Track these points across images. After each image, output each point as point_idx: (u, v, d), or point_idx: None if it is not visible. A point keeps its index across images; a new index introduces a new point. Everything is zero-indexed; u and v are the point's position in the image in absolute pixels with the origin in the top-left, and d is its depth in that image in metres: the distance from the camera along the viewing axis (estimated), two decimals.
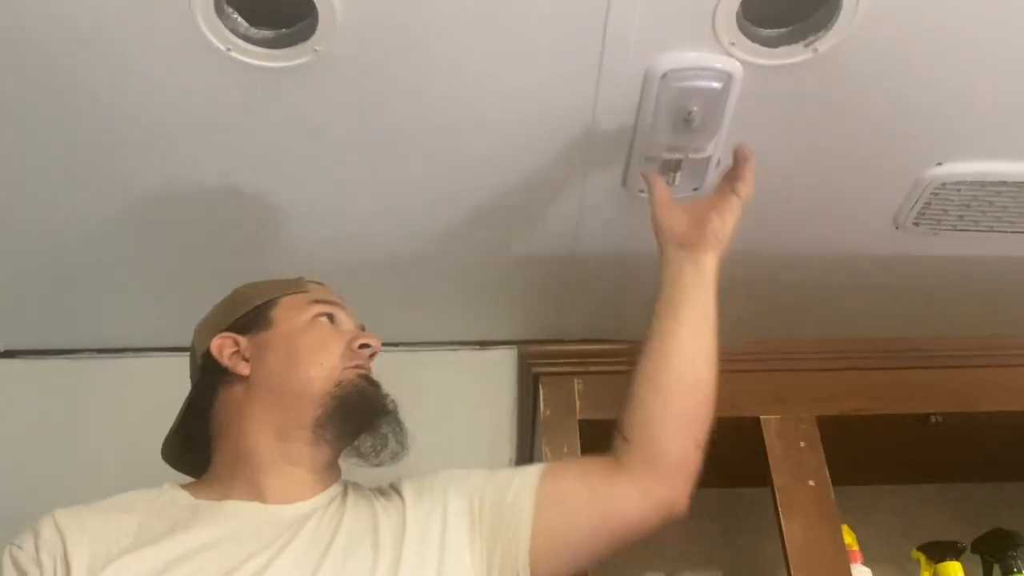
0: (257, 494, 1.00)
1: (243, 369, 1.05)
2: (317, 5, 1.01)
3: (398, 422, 1.05)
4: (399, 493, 1.03)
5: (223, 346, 1.06)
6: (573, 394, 1.33)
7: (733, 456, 1.32)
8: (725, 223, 1.08)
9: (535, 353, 1.41)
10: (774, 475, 1.24)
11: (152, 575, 0.91)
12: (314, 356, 1.04)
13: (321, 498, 1.01)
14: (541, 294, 1.54)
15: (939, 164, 1.28)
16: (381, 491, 1.05)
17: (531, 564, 0.99)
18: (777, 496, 1.23)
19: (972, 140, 1.25)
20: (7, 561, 0.93)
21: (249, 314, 1.08)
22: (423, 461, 1.08)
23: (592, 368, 1.35)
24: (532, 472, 1.03)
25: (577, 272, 1.48)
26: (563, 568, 1.02)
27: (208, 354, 1.06)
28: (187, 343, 1.14)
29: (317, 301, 1.09)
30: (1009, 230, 1.39)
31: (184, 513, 0.98)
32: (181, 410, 1.10)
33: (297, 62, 1.07)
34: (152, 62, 1.08)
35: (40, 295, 1.48)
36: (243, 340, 1.06)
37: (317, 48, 1.05)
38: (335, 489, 1.04)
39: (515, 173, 1.28)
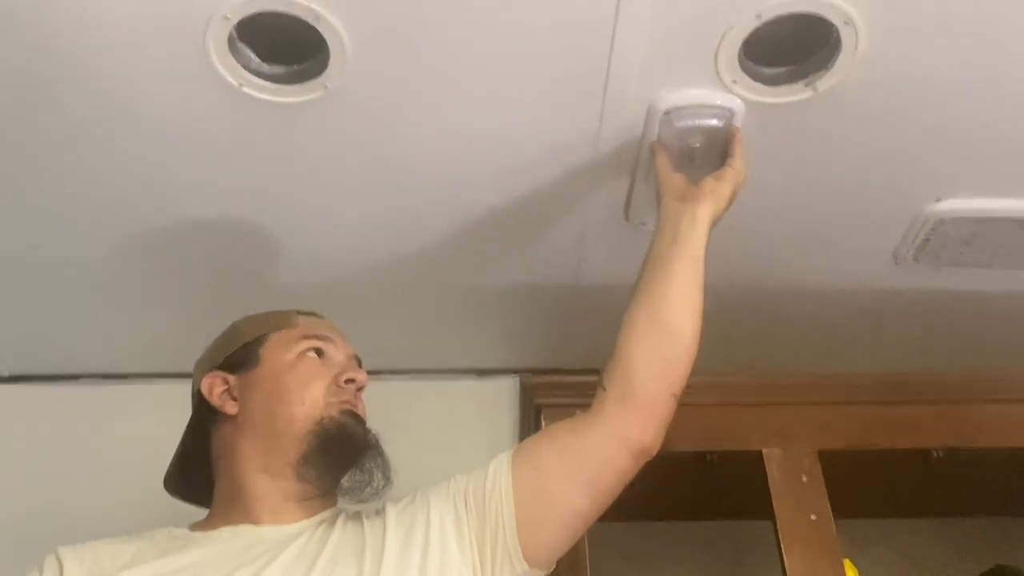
0: (249, 519, 1.02)
1: (231, 408, 1.06)
2: (328, 42, 1.02)
3: (381, 455, 1.06)
4: (384, 512, 1.05)
5: (212, 385, 1.07)
6: None
7: (735, 489, 1.32)
8: (720, 183, 1.09)
9: (538, 384, 1.41)
10: (776, 508, 1.24)
11: None
12: (297, 394, 1.04)
13: (311, 520, 1.03)
14: (542, 324, 1.54)
15: (938, 200, 1.29)
16: (371, 514, 1.07)
17: (521, 540, 0.99)
18: (779, 529, 1.23)
19: (970, 177, 1.26)
20: None
21: (239, 351, 1.09)
22: None
23: None
24: (505, 454, 1.05)
25: (578, 303, 1.48)
26: (555, 536, 1.02)
27: (200, 393, 1.08)
28: (192, 368, 1.15)
29: (307, 336, 1.09)
30: (1008, 265, 1.40)
31: (180, 542, 1.01)
32: (178, 447, 1.12)
33: (308, 98, 1.08)
34: (164, 96, 1.09)
35: (45, 320, 1.48)
36: (232, 378, 1.07)
37: (328, 84, 1.07)
38: (328, 513, 1.05)
39: (519, 204, 1.29)
